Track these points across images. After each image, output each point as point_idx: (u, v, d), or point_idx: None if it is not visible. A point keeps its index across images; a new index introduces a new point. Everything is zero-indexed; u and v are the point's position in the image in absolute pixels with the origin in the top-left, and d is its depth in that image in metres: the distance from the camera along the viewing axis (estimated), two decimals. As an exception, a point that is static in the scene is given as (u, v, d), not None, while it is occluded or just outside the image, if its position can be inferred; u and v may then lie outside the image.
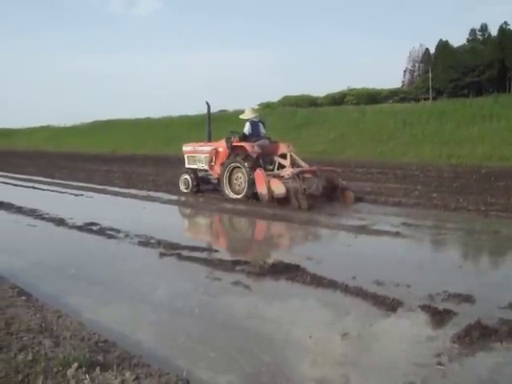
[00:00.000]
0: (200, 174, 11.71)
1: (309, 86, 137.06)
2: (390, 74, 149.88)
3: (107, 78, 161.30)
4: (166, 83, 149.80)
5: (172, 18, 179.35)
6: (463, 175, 13.93)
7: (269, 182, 9.50)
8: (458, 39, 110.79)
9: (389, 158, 20.02)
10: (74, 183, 14.08)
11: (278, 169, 10.33)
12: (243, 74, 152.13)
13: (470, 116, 22.56)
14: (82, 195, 11.81)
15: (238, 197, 10.23)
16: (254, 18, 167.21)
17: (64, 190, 12.69)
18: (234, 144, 10.54)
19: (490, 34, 66.30)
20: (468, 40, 67.89)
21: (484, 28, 67.81)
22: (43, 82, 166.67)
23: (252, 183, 9.82)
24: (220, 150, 11.04)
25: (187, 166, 12.03)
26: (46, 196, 12.18)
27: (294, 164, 10.22)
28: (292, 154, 10.36)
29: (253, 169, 9.83)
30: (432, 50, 69.82)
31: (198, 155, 11.74)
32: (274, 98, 66.64)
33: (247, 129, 10.78)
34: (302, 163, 10.33)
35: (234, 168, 10.40)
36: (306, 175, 9.99)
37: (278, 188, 9.32)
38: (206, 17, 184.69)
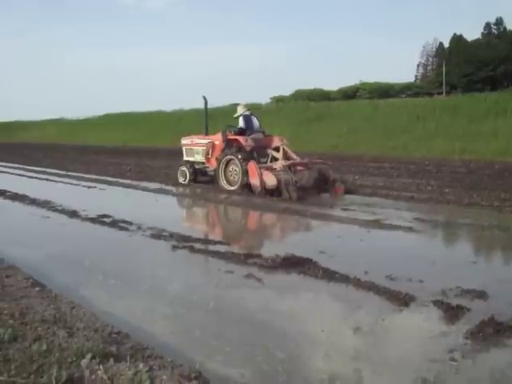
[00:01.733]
0: (197, 166, 11.98)
1: (321, 80, 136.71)
2: (403, 69, 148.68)
3: (119, 72, 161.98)
4: (178, 76, 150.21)
5: (185, 10, 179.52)
6: (476, 170, 13.80)
7: (261, 173, 9.69)
8: (473, 33, 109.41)
9: (401, 153, 19.88)
10: (87, 175, 14.20)
11: (271, 161, 10.52)
12: (255, 68, 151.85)
13: (483, 111, 22.28)
14: (95, 187, 11.90)
15: (233, 188, 10.43)
16: (266, 12, 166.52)
17: (77, 183, 12.82)
18: (228, 137, 10.78)
19: (505, 28, 65.36)
20: (483, 34, 67.04)
21: (499, 22, 66.89)
22: (56, 75, 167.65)
23: (245, 175, 10.02)
24: (216, 143, 11.28)
25: (185, 158, 12.29)
26: (59, 188, 12.29)
27: (286, 157, 10.45)
28: (285, 147, 10.62)
29: (246, 161, 10.03)
30: (446, 45, 69.12)
31: (195, 148, 11.96)
32: (286, 91, 66.48)
33: (242, 123, 10.99)
34: (294, 156, 10.61)
35: (229, 161, 10.62)
36: (298, 168, 10.30)
37: (270, 180, 9.57)
38: (219, 10, 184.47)
